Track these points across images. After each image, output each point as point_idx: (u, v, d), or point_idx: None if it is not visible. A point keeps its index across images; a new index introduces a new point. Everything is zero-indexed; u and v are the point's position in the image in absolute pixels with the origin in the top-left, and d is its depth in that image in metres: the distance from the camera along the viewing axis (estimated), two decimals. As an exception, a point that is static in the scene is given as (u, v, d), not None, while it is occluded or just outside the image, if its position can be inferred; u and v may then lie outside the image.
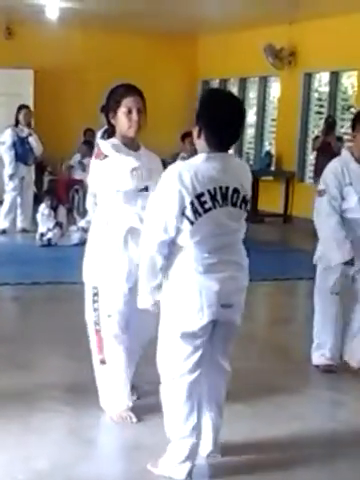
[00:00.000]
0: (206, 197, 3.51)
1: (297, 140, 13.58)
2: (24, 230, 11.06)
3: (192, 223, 3.50)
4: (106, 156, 4.28)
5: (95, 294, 4.38)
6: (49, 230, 10.05)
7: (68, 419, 4.48)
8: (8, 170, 10.93)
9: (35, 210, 10.74)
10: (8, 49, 14.15)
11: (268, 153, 14.14)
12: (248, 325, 6.20)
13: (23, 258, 9.19)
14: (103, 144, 4.35)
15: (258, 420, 4.55)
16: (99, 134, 10.49)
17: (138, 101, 4.32)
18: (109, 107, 4.37)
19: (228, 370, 3.90)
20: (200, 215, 3.51)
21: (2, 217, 11.06)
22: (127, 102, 4.29)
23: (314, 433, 4.44)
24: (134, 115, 4.28)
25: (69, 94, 14.56)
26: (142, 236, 3.73)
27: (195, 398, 3.73)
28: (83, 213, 10.65)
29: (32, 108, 12.02)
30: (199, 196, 3.49)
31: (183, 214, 3.49)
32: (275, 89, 14.55)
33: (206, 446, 3.93)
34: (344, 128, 13.10)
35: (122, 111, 4.29)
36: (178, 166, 3.58)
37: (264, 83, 14.58)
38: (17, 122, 10.93)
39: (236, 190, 3.60)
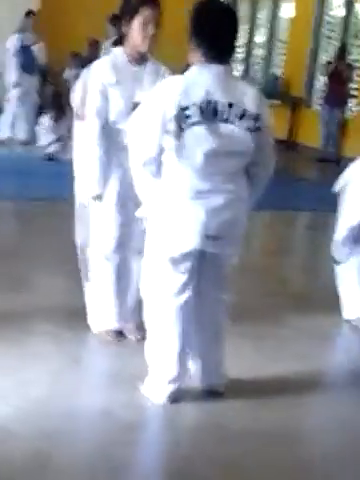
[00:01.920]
0: (192, 111, 3.34)
1: (306, 64, 13.25)
2: (24, 142, 10.78)
3: (176, 138, 3.36)
4: None
5: (85, 209, 4.34)
6: (50, 144, 9.82)
7: (67, 344, 4.38)
8: (12, 78, 10.57)
9: (36, 122, 10.47)
10: None
11: (275, 75, 13.80)
12: (248, 256, 6.12)
13: (23, 171, 8.96)
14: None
15: (260, 356, 4.45)
16: (107, 45, 10.21)
17: (157, 13, 4.07)
18: (123, 14, 4.11)
19: (224, 298, 3.78)
20: (183, 130, 3.35)
21: (4, 127, 10.73)
22: (145, 13, 4.03)
23: (316, 373, 4.36)
24: (150, 28, 4.05)
25: (75, 2, 14.09)
26: (128, 155, 3.61)
27: (180, 324, 3.65)
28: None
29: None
30: (184, 109, 3.34)
31: (167, 130, 3.35)
32: (287, 9, 14.09)
33: (208, 378, 3.86)
34: (354, 55, 12.79)
35: (138, 22, 4.03)
36: (167, 80, 3.52)
37: (276, 2, 14.12)
38: (22, 28, 10.53)
39: (231, 104, 3.41)
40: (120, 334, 4.49)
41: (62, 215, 6.85)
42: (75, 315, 4.70)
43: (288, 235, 8.03)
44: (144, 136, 3.43)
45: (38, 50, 10.60)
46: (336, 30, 13.15)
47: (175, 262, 3.55)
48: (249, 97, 3.48)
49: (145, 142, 3.43)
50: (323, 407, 3.99)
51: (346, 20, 12.80)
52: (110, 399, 3.84)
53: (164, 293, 3.63)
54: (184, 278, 3.59)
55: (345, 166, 5.32)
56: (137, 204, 3.83)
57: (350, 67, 12.10)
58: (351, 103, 12.68)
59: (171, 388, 3.74)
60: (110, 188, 4.20)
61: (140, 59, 4.16)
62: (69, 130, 10.29)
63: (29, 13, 10.68)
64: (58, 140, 9.90)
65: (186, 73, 3.48)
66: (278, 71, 14.14)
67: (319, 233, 8.08)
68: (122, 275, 4.43)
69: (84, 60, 12.67)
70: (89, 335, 4.50)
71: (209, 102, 3.36)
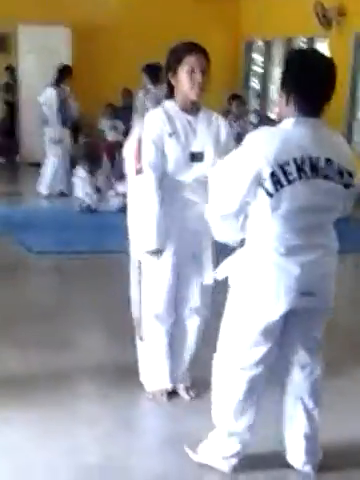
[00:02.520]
0: (291, 167, 3.12)
1: (346, 103, 13.11)
2: (62, 193, 10.70)
3: (271, 195, 3.12)
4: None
5: (139, 268, 4.12)
6: (87, 195, 9.71)
7: (117, 406, 4.21)
8: (55, 134, 10.51)
9: (71, 174, 10.41)
10: (44, 5, 13.58)
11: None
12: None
13: (63, 225, 8.84)
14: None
15: (326, 414, 3.81)
16: (140, 95, 10.16)
17: (202, 61, 3.92)
18: (169, 65, 3.98)
19: (316, 367, 3.49)
20: (282, 186, 3.11)
21: (48, 182, 10.69)
22: (190, 61, 3.89)
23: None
24: (197, 75, 3.90)
25: (106, 53, 14.16)
26: (207, 205, 3.40)
27: (255, 394, 3.44)
28: (121, 177, 10.29)
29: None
30: (283, 165, 3.11)
31: (260, 185, 3.12)
32: (323, 51, 14.03)
33: (298, 456, 3.56)
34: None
35: (184, 70, 3.90)
36: (263, 134, 3.23)
37: (311, 44, 14.06)
38: (58, 82, 10.48)
39: (329, 160, 3.18)
40: (173, 394, 4.31)
41: (101, 270, 6.78)
42: (122, 374, 4.55)
43: (345, 278, 7.74)
44: (229, 190, 3.22)
45: (72, 102, 10.56)
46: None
47: (263, 326, 3.30)
48: (344, 152, 3.32)
49: (229, 196, 3.22)
50: None
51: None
52: (165, 463, 3.65)
53: (245, 360, 3.38)
54: (269, 345, 3.35)
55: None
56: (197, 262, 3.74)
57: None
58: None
59: (234, 462, 3.52)
60: (167, 244, 4.01)
61: (192, 108, 4.03)
62: (106, 182, 10.27)
63: (68, 70, 10.61)
64: (94, 192, 9.78)
65: (280, 125, 3.25)
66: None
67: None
68: (176, 335, 4.25)
69: (118, 110, 12.71)
70: (138, 395, 4.32)
71: (308, 158, 3.17)
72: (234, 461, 3.52)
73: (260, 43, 15.42)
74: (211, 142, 3.99)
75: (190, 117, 4.01)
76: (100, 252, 7.25)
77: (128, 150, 4.02)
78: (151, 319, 4.17)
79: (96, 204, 9.68)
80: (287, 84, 3.22)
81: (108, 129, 12.22)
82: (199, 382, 4.27)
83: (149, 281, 4.11)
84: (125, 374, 4.49)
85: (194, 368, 4.32)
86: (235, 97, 9.70)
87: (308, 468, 3.56)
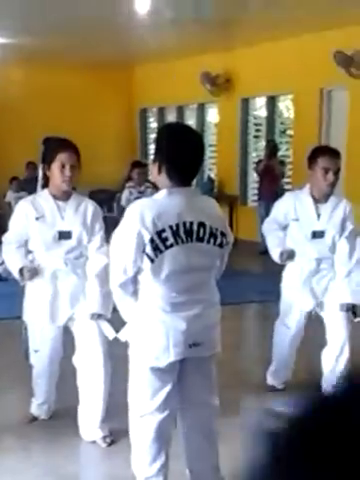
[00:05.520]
0: (167, 233, 3.42)
1: (238, 164, 13.77)
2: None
3: (152, 261, 3.44)
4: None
5: (25, 329, 4.76)
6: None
7: (38, 456, 4.48)
8: None
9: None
10: None
11: (210, 178, 14.29)
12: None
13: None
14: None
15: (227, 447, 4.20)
16: (40, 169, 10.51)
17: (72, 157, 4.43)
18: (44, 159, 4.50)
19: (213, 404, 3.81)
20: (161, 252, 3.43)
21: None
22: (61, 157, 4.39)
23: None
24: (67, 170, 4.40)
25: (9, 129, 14.54)
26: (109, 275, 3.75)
27: (163, 438, 3.70)
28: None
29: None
30: (160, 232, 3.41)
31: (143, 252, 3.43)
32: (213, 115, 14.76)
33: None
34: (282, 151, 13.35)
35: (56, 165, 4.39)
36: (140, 204, 3.52)
37: (202, 110, 14.78)
38: None
39: (202, 224, 3.51)
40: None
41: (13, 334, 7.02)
42: (36, 426, 4.86)
43: (240, 328, 8.22)
44: (121, 258, 3.50)
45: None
46: (262, 130, 13.75)
47: (159, 372, 3.61)
48: (216, 215, 3.64)
49: (123, 264, 3.50)
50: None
51: (271, 119, 13.43)
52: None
53: (149, 406, 3.66)
54: (167, 389, 3.65)
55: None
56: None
57: (282, 163, 12.60)
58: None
59: None
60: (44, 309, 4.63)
61: (63, 196, 4.56)
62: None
63: None
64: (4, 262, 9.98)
65: (155, 196, 3.55)
66: (210, 173, 14.64)
67: (268, 323, 8.31)
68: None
69: (23, 183, 13.03)
70: (58, 444, 4.59)
71: (183, 224, 3.45)
72: None
73: (154, 110, 16.06)
74: (78, 222, 4.54)
75: (60, 202, 4.54)
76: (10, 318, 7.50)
77: None
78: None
79: (6, 273, 9.89)
80: (158, 156, 3.52)
81: (14, 201, 12.49)
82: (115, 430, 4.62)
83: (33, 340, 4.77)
84: (40, 426, 4.85)
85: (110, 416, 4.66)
86: (136, 164, 10.20)
87: None
